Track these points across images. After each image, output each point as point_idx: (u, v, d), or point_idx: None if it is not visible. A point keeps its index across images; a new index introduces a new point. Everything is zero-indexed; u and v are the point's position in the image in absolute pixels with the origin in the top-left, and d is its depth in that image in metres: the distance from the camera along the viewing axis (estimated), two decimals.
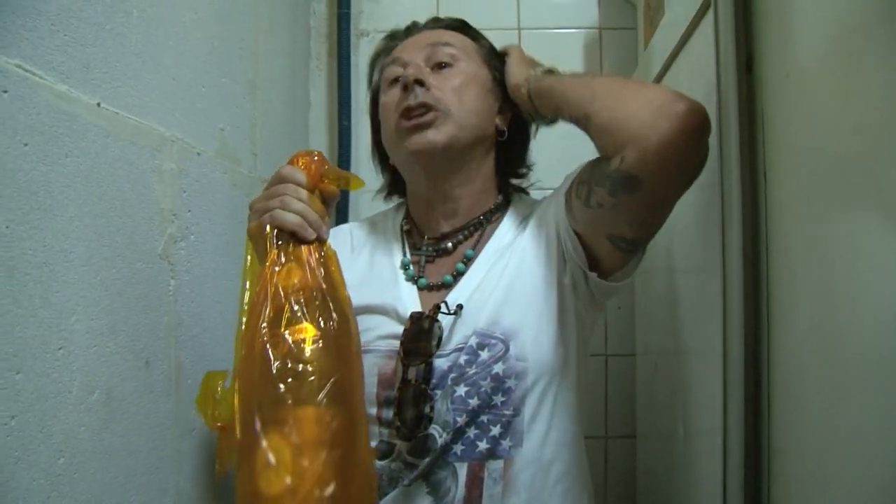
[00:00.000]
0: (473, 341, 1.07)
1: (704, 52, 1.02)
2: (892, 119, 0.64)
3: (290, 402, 0.84)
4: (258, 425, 0.83)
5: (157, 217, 1.03)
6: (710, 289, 1.02)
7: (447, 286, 1.16)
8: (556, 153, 1.81)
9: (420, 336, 1.08)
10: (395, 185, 1.32)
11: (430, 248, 1.21)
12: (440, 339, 1.08)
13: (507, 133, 1.22)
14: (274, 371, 0.84)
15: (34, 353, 0.76)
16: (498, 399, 1.06)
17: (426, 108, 1.12)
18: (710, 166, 0.98)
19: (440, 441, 1.05)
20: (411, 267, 1.20)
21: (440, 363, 1.08)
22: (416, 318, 1.09)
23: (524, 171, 1.29)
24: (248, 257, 0.99)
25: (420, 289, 1.17)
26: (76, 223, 0.84)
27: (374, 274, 1.21)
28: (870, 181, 0.68)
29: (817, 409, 0.79)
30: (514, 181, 1.28)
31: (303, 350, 0.86)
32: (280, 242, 0.93)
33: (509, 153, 1.25)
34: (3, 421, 0.71)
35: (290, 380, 0.84)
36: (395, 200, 1.34)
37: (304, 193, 0.97)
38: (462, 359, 1.07)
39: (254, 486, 0.81)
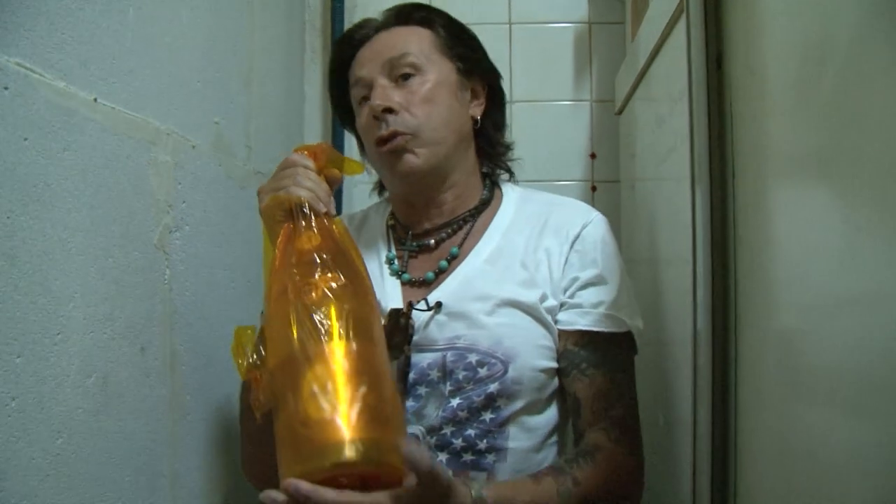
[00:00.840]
0: (474, 358, 1.10)
1: (682, 48, 1.06)
2: (844, 115, 0.67)
3: (327, 337, 0.88)
4: (300, 360, 0.87)
5: (153, 208, 1.06)
6: (683, 279, 1.05)
7: (429, 283, 1.19)
8: (547, 146, 1.87)
9: (397, 331, 1.11)
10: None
11: (414, 244, 1.23)
12: (411, 336, 1.12)
13: (482, 118, 1.24)
14: (311, 310, 0.89)
15: (34, 337, 0.79)
16: (487, 415, 1.10)
17: (396, 134, 1.14)
18: (682, 159, 1.01)
19: (423, 442, 1.09)
20: (396, 262, 1.23)
21: (421, 358, 1.11)
22: (393, 313, 1.13)
23: (503, 149, 1.29)
24: (264, 232, 1.04)
25: (403, 283, 1.20)
26: (74, 214, 0.87)
27: None
28: (826, 175, 0.71)
29: (776, 396, 0.83)
30: (498, 161, 1.29)
31: (334, 291, 0.91)
32: (296, 215, 0.98)
33: (487, 136, 1.27)
34: (5, 402, 0.75)
35: (325, 318, 0.89)
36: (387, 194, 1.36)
37: (312, 174, 1.03)
38: (461, 374, 1.10)
39: (302, 414, 0.85)
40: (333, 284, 0.92)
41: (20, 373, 0.77)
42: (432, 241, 1.22)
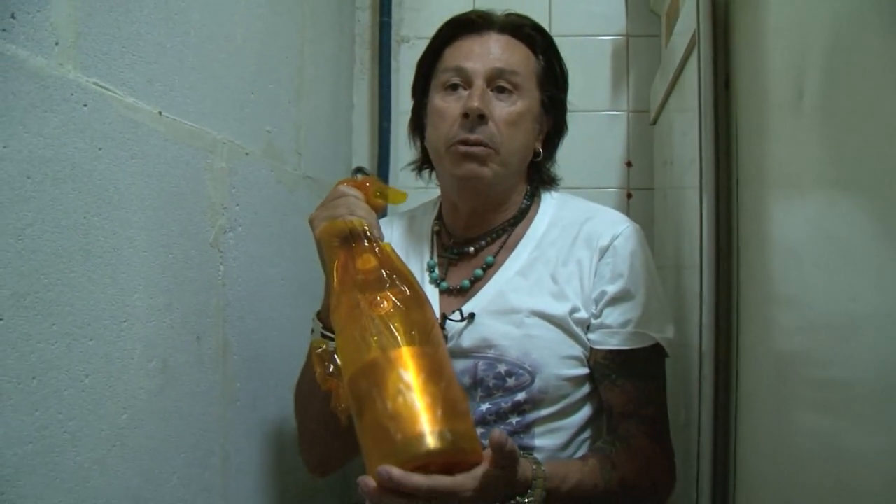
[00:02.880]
0: (503, 368, 1.16)
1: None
2: (835, 134, 0.73)
3: (405, 342, 0.95)
4: (383, 363, 0.94)
5: (209, 210, 1.16)
6: (694, 284, 1.11)
7: (465, 291, 1.24)
8: (586, 155, 1.93)
9: None
10: (427, 159, 1.34)
11: (455, 251, 1.28)
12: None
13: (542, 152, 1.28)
14: (386, 320, 0.96)
15: (104, 324, 0.90)
16: (514, 418, 1.17)
17: (481, 144, 1.17)
18: (694, 170, 1.07)
19: None
20: (436, 269, 1.28)
21: (455, 365, 1.13)
22: None
23: (549, 180, 1.32)
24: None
25: (441, 292, 1.26)
26: (139, 215, 0.97)
27: None
28: (819, 188, 0.77)
29: (773, 402, 0.89)
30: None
31: (403, 302, 0.98)
32: (355, 238, 1.05)
33: (540, 168, 1.30)
34: (80, 378, 0.85)
35: (400, 326, 0.96)
36: (426, 177, 1.38)
37: (363, 203, 1.09)
38: (491, 383, 1.16)
39: (391, 411, 0.91)
40: (400, 297, 0.98)
41: (92, 354, 0.87)
42: (472, 249, 1.27)
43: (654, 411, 1.19)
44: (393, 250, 1.07)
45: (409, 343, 0.95)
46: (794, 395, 0.83)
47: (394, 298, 0.98)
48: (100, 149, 0.89)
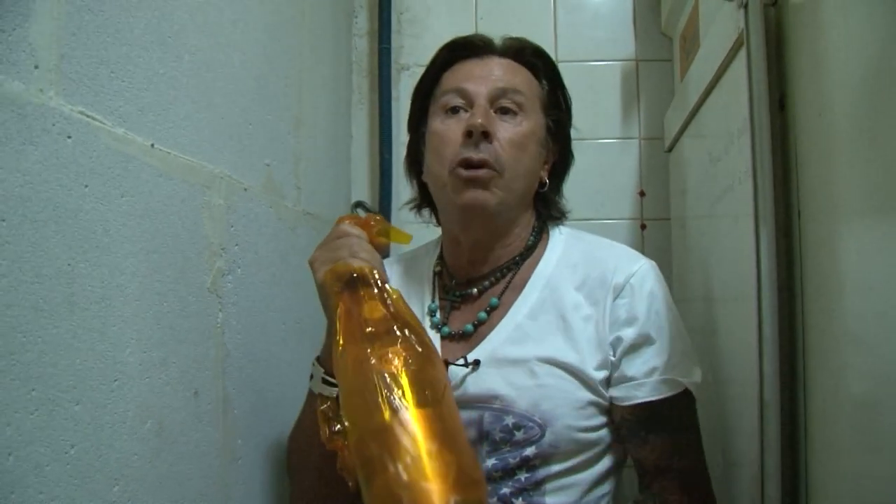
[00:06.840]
0: (510, 421, 1.07)
1: (738, 88, 1.04)
2: None
3: (418, 404, 0.88)
4: (395, 426, 0.87)
5: (206, 251, 1.06)
6: (741, 318, 1.02)
7: (468, 335, 1.16)
8: (596, 184, 1.85)
9: None
10: (425, 197, 1.29)
11: (457, 294, 1.20)
12: None
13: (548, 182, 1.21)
14: (399, 379, 0.89)
15: (92, 384, 0.79)
16: (522, 475, 1.08)
17: (485, 164, 1.10)
18: (740, 198, 0.99)
19: None
20: (438, 313, 1.20)
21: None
22: None
23: (559, 215, 1.25)
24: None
25: (443, 337, 1.18)
26: (131, 259, 0.87)
27: None
28: None
29: (852, 450, 0.80)
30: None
31: (415, 360, 0.92)
32: (360, 285, 0.98)
33: (546, 200, 1.23)
34: (64, 450, 0.74)
35: (413, 386, 0.89)
36: (426, 215, 1.32)
37: (366, 244, 1.02)
38: (498, 436, 1.08)
39: (404, 478, 0.84)
40: (411, 352, 0.92)
41: (79, 420, 0.77)
42: (475, 290, 1.19)
43: (690, 463, 1.10)
44: (401, 296, 1.00)
45: (422, 404, 0.89)
46: (878, 450, 0.73)
47: (404, 354, 0.92)
48: (86, 186, 0.79)
